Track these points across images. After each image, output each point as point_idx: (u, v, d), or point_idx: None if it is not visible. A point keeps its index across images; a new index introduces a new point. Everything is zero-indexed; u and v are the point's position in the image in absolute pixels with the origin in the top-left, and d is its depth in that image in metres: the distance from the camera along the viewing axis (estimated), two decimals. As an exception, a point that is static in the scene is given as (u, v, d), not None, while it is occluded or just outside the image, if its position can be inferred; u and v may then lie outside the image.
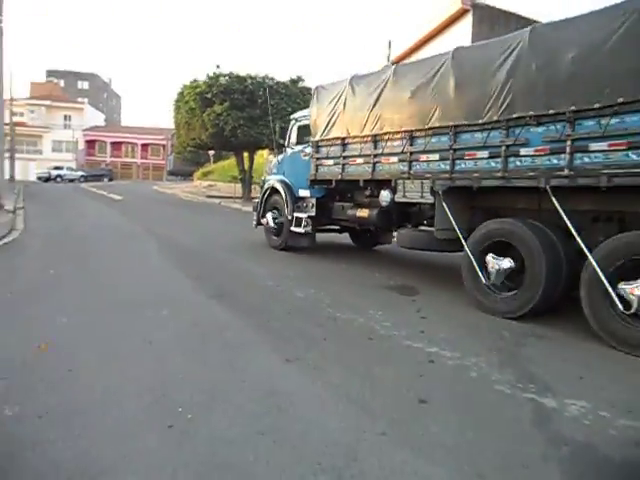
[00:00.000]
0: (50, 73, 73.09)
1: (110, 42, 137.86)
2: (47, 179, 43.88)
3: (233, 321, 4.62)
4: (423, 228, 6.82)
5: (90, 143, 60.42)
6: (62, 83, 71.48)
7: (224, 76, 18.80)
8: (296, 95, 19.59)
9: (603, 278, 4.16)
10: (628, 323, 4.08)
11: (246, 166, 22.41)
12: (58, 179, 44.17)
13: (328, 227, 9.04)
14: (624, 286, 4.10)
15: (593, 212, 4.80)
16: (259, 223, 9.57)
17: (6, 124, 43.62)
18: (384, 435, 2.64)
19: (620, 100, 4.11)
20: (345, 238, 9.87)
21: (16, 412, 2.77)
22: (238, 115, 18.45)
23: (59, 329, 4.25)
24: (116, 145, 60.52)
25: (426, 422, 2.81)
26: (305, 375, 3.43)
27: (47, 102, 59.52)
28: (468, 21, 19.75)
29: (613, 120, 4.21)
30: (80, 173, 47.48)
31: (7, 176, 29.11)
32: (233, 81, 18.56)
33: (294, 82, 19.84)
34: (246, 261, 7.78)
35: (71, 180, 44.30)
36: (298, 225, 8.41)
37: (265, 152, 25.33)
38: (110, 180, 47.31)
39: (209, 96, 18.61)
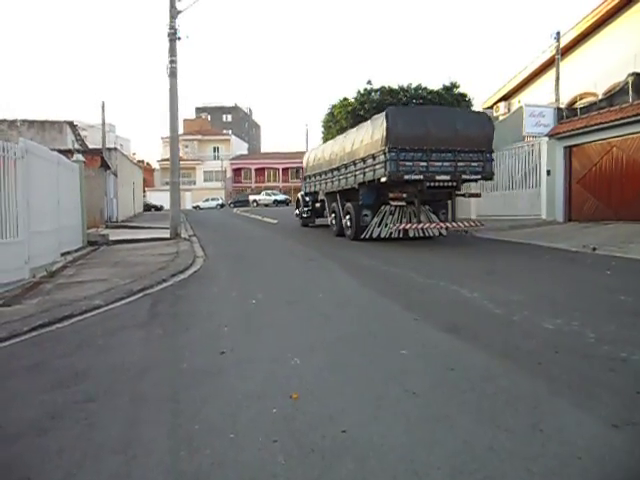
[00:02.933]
0: (199, 110, 79.87)
1: (248, 73, 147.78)
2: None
3: (491, 365, 3.75)
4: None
5: (236, 171, 64.48)
6: (209, 118, 77.59)
7: (375, 91, 18.38)
8: (451, 103, 18.51)
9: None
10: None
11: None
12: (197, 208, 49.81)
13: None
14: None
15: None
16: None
17: (166, 159, 47.87)
18: None
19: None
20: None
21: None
22: (392, 129, 17.83)
23: (298, 372, 3.72)
24: (259, 171, 63.91)
25: None
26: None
27: (198, 137, 64.91)
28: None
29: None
30: (218, 202, 53.98)
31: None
32: (385, 95, 18.05)
33: (447, 89, 18.79)
34: (449, 283, 6.89)
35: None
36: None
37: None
38: (257, 205, 49.78)
39: (362, 113, 18.28)
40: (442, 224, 12.67)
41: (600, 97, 16.82)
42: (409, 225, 12.36)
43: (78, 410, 3.17)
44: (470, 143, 11.82)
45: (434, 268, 8.53)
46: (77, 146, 24.73)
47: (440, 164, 11.59)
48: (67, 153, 14.76)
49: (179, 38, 15.04)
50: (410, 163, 11.35)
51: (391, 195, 12.05)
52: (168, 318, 5.60)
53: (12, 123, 23.20)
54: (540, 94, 20.91)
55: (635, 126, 13.50)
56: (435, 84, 19.01)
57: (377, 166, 11.89)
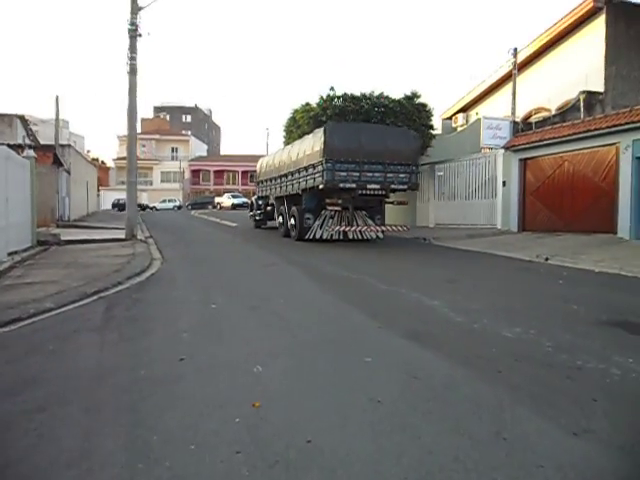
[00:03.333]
0: (157, 109, 78.22)
1: (209, 74, 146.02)
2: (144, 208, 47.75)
3: (454, 373, 3.78)
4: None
5: (195, 172, 63.50)
6: (168, 117, 76.11)
7: (338, 97, 18.43)
8: (412, 112, 18.77)
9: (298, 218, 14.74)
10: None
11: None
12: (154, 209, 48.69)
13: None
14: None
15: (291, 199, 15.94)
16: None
17: (122, 158, 46.60)
18: None
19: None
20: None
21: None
22: (353, 136, 17.95)
23: (261, 380, 3.63)
24: (218, 173, 63.14)
25: None
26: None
27: (156, 136, 63.59)
28: (600, 21, 18.06)
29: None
30: (175, 203, 52.88)
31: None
32: (348, 102, 18.13)
33: (409, 99, 19.00)
34: (409, 290, 6.95)
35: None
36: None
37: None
38: (214, 208, 49.13)
39: (324, 118, 18.28)
40: (377, 227, 14.42)
41: (553, 112, 17.52)
42: (347, 228, 13.89)
43: (27, 420, 2.98)
44: (398, 157, 13.52)
45: (394, 275, 8.60)
46: (28, 141, 23.74)
47: (371, 174, 13.27)
48: (17, 148, 14.15)
49: (140, 35, 14.69)
50: (344, 173, 13.00)
51: (328, 201, 13.75)
52: (124, 322, 5.40)
53: (-43, 115, 22.06)
54: (497, 107, 21.58)
55: (585, 142, 14.08)
56: (397, 93, 19.25)
57: (316, 175, 13.48)
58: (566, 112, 16.33)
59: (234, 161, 62.90)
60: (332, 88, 18.50)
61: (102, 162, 62.19)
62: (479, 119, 19.02)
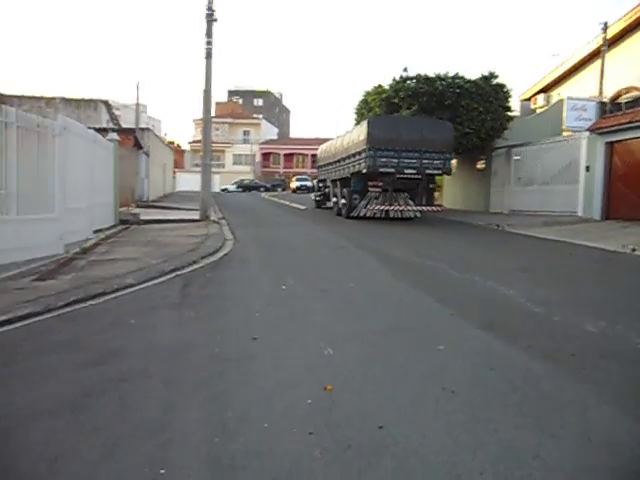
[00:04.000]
0: (231, 93, 79.91)
1: (281, 57, 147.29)
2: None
3: (533, 367, 3.61)
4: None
5: (265, 155, 64.55)
6: (240, 101, 77.60)
7: (411, 79, 18.00)
8: (488, 94, 18.03)
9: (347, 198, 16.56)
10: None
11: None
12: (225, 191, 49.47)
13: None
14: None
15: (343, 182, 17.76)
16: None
17: (197, 141, 48.06)
18: None
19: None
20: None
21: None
22: (427, 119, 17.52)
23: (332, 364, 3.64)
24: (288, 156, 63.84)
25: None
26: None
27: (229, 120, 65.03)
28: None
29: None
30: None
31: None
32: (421, 83, 17.66)
33: (486, 79, 18.27)
34: (483, 278, 6.71)
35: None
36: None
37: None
38: (283, 190, 49.78)
39: (396, 101, 17.95)
40: (414, 207, 15.93)
41: (646, 92, 16.18)
42: (389, 207, 15.63)
43: (113, 389, 3.15)
44: (433, 145, 15.17)
45: (466, 262, 8.34)
46: (111, 125, 25.01)
47: (408, 161, 15.08)
48: (102, 131, 14.90)
49: (216, 20, 14.97)
50: (384, 159, 14.94)
51: (370, 183, 15.73)
52: (200, 300, 5.58)
53: (49, 101, 23.55)
54: (582, 87, 20.23)
55: (683, 123, 12.93)
56: (473, 73, 18.45)
57: (361, 160, 15.40)
58: (661, 91, 15.05)
59: (303, 144, 63.28)
60: (405, 69, 18.17)
61: (178, 145, 64.61)
62: (561, 100, 17.96)
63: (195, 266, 7.58)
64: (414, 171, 15.13)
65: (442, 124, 15.93)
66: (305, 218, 18.00)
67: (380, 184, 15.58)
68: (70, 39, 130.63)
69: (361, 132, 15.68)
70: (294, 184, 46.98)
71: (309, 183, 42.74)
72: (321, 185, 22.73)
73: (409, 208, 15.83)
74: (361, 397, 3.08)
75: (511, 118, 19.33)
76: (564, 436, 2.61)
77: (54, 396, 3.07)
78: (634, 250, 9.84)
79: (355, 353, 3.86)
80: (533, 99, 23.95)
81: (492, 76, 18.37)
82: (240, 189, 50.99)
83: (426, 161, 15.16)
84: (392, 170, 14.98)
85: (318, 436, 2.60)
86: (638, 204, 14.46)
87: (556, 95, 22.34)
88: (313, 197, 24.50)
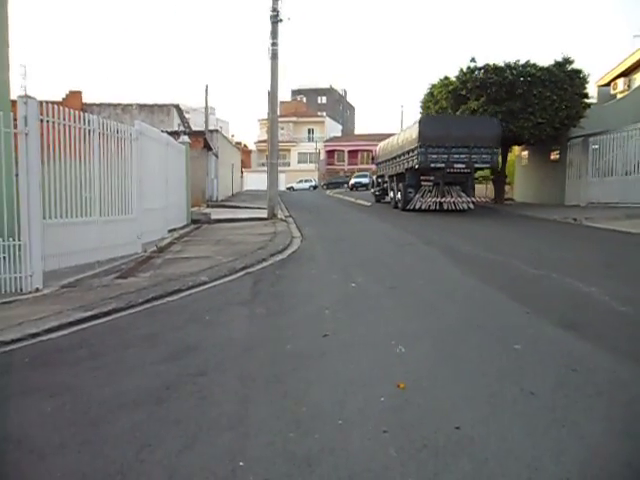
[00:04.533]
0: (294, 92, 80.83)
1: (343, 54, 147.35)
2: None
3: (619, 369, 3.40)
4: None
5: (330, 153, 64.79)
6: (304, 99, 78.31)
7: (479, 69, 17.44)
8: (562, 81, 17.14)
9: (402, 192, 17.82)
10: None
11: (499, 165, 20.64)
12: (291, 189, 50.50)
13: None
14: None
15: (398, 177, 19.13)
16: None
17: (263, 141, 48.98)
18: None
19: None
20: None
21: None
22: (496, 110, 16.91)
23: (404, 361, 3.60)
24: (352, 153, 63.72)
25: None
26: None
27: (294, 118, 65.79)
28: None
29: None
30: (311, 183, 54.65)
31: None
32: (490, 73, 17.06)
33: (560, 65, 17.38)
34: (561, 275, 6.39)
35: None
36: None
37: (517, 149, 23.17)
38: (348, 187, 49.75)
39: (463, 92, 17.47)
40: (467, 199, 16.86)
41: None
42: (442, 199, 16.68)
43: (191, 383, 3.28)
44: (481, 141, 16.21)
45: (542, 258, 7.98)
46: (182, 128, 26.00)
47: (457, 156, 16.23)
48: (174, 135, 15.53)
49: (281, 20, 15.18)
50: (435, 155, 16.18)
51: (422, 177, 17.05)
52: (270, 297, 5.70)
53: (126, 107, 24.84)
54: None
55: None
56: (546, 60, 17.56)
57: (414, 157, 16.67)
58: None
59: (368, 140, 62.82)
60: (473, 59, 17.63)
61: (244, 145, 66.15)
62: (645, 84, 16.79)
63: (264, 264, 7.74)
64: (463, 165, 16.35)
65: (490, 121, 16.80)
66: (370, 215, 17.91)
67: (432, 178, 16.83)
68: (142, 46, 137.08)
69: (413, 131, 17.08)
70: (352, 181, 46.98)
71: (365, 180, 42.77)
72: (380, 181, 23.90)
73: (461, 200, 16.75)
74: (435, 396, 3.02)
75: (588, 105, 18.28)
76: (658, 444, 2.45)
77: (138, 388, 3.24)
78: None
79: (427, 351, 3.81)
80: (613, 84, 22.52)
81: (567, 62, 17.45)
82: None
83: (474, 156, 16.29)
84: (442, 165, 16.23)
85: (393, 435, 2.58)
86: None
87: (638, 79, 20.91)
88: (372, 192, 25.77)
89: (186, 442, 2.55)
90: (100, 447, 2.54)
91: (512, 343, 3.87)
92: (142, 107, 25.40)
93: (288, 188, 51.70)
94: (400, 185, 18.52)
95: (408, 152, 17.31)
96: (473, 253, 8.52)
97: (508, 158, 21.04)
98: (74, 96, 23.27)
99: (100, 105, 24.43)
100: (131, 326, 4.69)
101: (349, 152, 63.99)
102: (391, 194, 20.64)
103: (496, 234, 11.62)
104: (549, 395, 3.00)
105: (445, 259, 8.02)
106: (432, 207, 16.67)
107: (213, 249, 9.04)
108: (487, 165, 17.03)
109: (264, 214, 15.84)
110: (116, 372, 3.54)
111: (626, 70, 22.21)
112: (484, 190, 21.99)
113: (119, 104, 25.23)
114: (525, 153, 23.40)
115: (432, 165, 16.23)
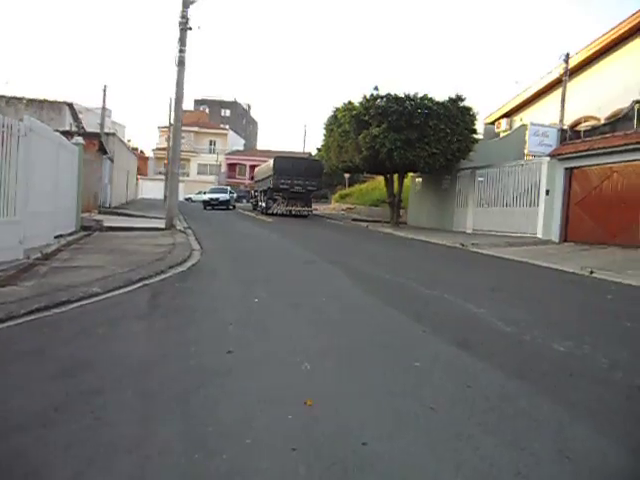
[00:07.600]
0: (197, 102, 79.28)
1: (249, 69, 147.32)
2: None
3: (507, 385, 3.67)
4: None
5: (231, 166, 64.18)
6: (207, 111, 77.07)
7: (381, 97, 18.31)
8: (455, 116, 18.51)
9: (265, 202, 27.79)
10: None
11: (395, 189, 21.71)
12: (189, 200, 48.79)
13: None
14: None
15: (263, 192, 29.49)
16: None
17: (162, 149, 47.26)
18: None
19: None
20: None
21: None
22: (395, 137, 17.80)
23: (310, 378, 3.61)
24: (254, 168, 63.47)
25: None
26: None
27: (195, 128, 64.43)
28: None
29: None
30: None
31: (163, 196, 31.43)
32: (391, 102, 17.98)
33: (454, 101, 18.77)
34: (452, 296, 6.81)
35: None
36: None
37: (412, 175, 24.49)
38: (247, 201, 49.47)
39: (366, 118, 18.21)
40: (304, 208, 26.28)
41: (603, 121, 16.97)
42: (289, 207, 25.82)
43: (84, 403, 3.03)
44: (311, 173, 26.03)
45: (437, 280, 8.47)
46: (75, 128, 24.38)
47: (297, 181, 25.57)
48: (66, 134, 14.51)
49: (190, 28, 14.88)
50: (283, 181, 25.39)
51: (275, 194, 26.18)
52: (170, 311, 5.46)
53: (10, 100, 22.79)
54: (543, 114, 21.04)
55: (638, 153, 13.60)
56: (441, 95, 18.96)
57: (270, 181, 25.93)
58: (617, 121, 15.79)
59: (270, 156, 62.80)
60: (376, 88, 18.48)
61: (141, 152, 63.44)
62: (524, 125, 18.63)
63: (163, 276, 7.43)
64: (301, 187, 25.71)
65: (317, 162, 27.57)
66: (264, 229, 17.94)
67: (281, 194, 25.95)
68: (34, 36, 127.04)
69: (271, 165, 26.20)
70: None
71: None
72: (256, 194, 33.39)
73: (302, 209, 26.12)
74: (342, 413, 3.06)
75: (476, 140, 19.90)
76: (542, 454, 2.66)
77: (22, 409, 2.93)
78: (592, 272, 10.21)
79: (333, 368, 3.85)
80: (497, 123, 24.75)
81: (459, 99, 18.89)
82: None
83: (307, 182, 25.75)
84: (287, 187, 25.49)
85: (301, 452, 2.56)
86: (594, 228, 15.08)
87: (518, 120, 23.16)
88: (251, 202, 35.79)
89: (79, 468, 2.34)
90: (-23, 477, 2.25)
91: (412, 360, 4.04)
92: (30, 102, 23.43)
93: (186, 199, 50.30)
94: (264, 198, 27.84)
95: (268, 177, 26.54)
96: (371, 273, 8.81)
97: (404, 184, 22.16)
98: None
99: (-21, 96, 22.19)
100: (13, 340, 4.25)
101: (251, 166, 63.71)
102: (260, 204, 29.65)
103: (394, 255, 12.13)
104: (448, 410, 3.16)
105: (345, 277, 8.21)
106: (285, 213, 25.67)
107: (106, 259, 8.51)
108: (314, 188, 26.35)
109: (161, 224, 15.24)
110: (-5, 391, 3.17)
111: (509, 112, 24.54)
112: (373, 213, 25.49)
113: (3, 96, 23.10)
114: (419, 180, 24.84)
115: (281, 186, 25.43)
